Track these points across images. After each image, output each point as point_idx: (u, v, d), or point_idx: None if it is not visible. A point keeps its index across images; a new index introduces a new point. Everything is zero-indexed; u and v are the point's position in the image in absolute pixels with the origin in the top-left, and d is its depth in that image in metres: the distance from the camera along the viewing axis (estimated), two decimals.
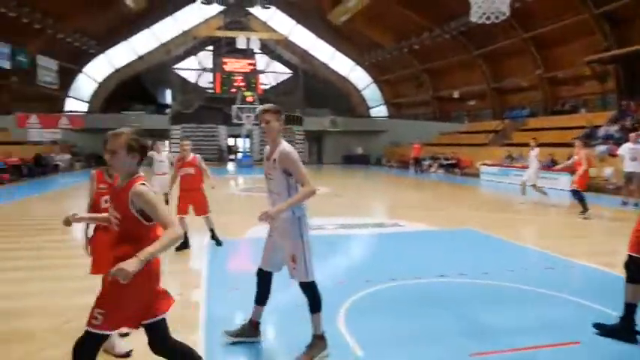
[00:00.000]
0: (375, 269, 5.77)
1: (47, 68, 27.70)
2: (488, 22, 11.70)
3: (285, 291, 4.06)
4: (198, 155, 6.92)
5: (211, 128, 31.13)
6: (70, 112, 30.87)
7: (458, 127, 30.55)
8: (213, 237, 6.99)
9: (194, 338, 3.69)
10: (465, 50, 28.15)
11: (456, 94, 30.67)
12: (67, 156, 25.49)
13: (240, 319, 4.25)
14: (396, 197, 14.83)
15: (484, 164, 20.77)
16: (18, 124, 25.21)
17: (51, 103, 30.58)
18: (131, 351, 3.38)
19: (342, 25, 31.89)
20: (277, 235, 3.48)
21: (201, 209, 6.83)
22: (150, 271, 2.37)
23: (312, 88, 34.36)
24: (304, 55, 36.09)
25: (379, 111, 38.32)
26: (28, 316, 4.17)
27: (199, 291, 4.91)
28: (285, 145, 3.33)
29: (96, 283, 4.58)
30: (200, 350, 3.47)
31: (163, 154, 9.37)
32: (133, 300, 2.35)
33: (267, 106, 3.45)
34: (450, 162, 24.43)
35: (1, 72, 25.04)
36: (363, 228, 8.69)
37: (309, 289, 3.41)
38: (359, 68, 37.34)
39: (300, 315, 3.89)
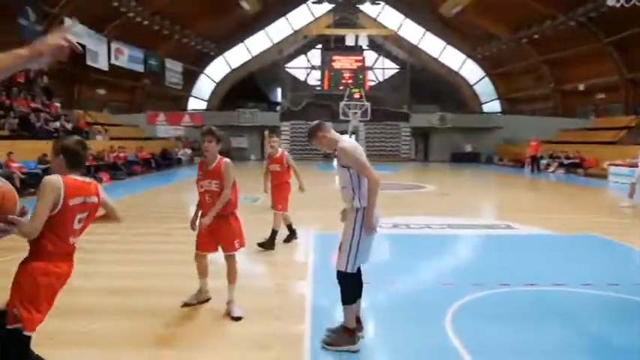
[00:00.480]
0: (484, 273, 5.49)
1: (174, 70, 30.37)
2: (627, 5, 10.46)
3: (389, 290, 4.03)
4: (286, 152, 7.01)
5: None
6: (192, 110, 33.55)
7: (583, 123, 27.84)
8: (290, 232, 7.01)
9: (301, 328, 3.82)
10: (593, 38, 25.52)
11: (581, 87, 27.97)
12: (189, 151, 27.78)
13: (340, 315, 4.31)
14: (509, 198, 13.94)
15: (613, 164, 18.72)
16: (148, 122, 28.00)
17: (176, 102, 33.55)
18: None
19: (453, 17, 30.70)
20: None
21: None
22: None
23: (420, 83, 33.56)
24: (413, 49, 35.38)
25: (492, 106, 36.29)
26: (152, 294, 4.62)
27: (304, 283, 5.06)
28: (342, 142, 3.43)
29: (216, 268, 4.93)
30: (306, 340, 3.59)
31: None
32: None
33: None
34: (571, 161, 22.40)
35: (136, 75, 28.00)
36: (472, 229, 8.31)
37: (343, 280, 3.44)
38: (470, 61, 35.70)
39: (404, 316, 3.85)
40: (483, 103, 36.75)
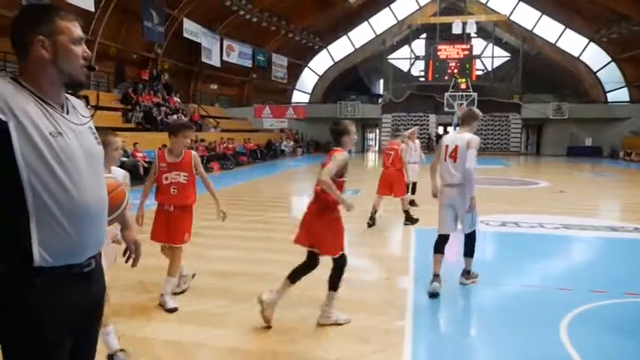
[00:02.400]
0: (608, 279, 4.93)
1: (280, 65, 31.44)
2: None
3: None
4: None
5: (421, 117, 31.06)
6: (295, 103, 34.51)
7: None
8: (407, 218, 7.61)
9: (402, 324, 3.73)
10: None
11: None
12: (292, 143, 28.65)
13: (445, 309, 4.14)
14: (638, 197, 12.45)
15: None
16: (255, 115, 29.33)
17: (280, 95, 34.74)
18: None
19: None
20: None
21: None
22: None
23: (534, 71, 31.17)
24: (526, 35, 32.93)
25: (618, 95, 32.58)
26: (263, 281, 4.79)
27: (407, 278, 4.94)
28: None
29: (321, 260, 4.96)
30: (407, 336, 3.50)
31: (417, 142, 9.66)
32: None
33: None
34: None
35: (245, 70, 29.45)
36: (592, 230, 7.53)
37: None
38: (594, 46, 32.32)
39: (514, 319, 3.60)
40: (608, 92, 33.08)
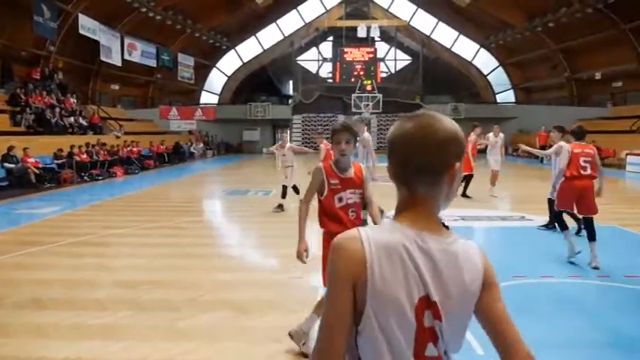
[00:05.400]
0: (500, 266, 5.37)
1: (186, 65, 30.46)
2: None
3: None
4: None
5: (330, 117, 31.77)
6: (204, 104, 33.65)
7: (599, 112, 27.34)
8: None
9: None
10: (611, 25, 24.96)
11: (597, 75, 27.43)
12: (201, 145, 27.91)
13: None
14: (523, 189, 13.77)
15: (631, 154, 18.37)
16: (161, 116, 28.15)
17: (188, 96, 33.68)
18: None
19: (466, 6, 30.26)
20: None
21: None
22: None
23: (433, 74, 33.22)
24: (425, 40, 35.01)
25: (506, 96, 35.81)
26: (165, 288, 4.65)
27: (318, 276, 5.04)
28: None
29: (226, 262, 4.92)
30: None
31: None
32: None
33: None
34: None
35: (149, 70, 28.17)
36: (486, 221, 8.22)
37: None
38: (484, 51, 35.21)
39: None
40: (497, 93, 36.26)
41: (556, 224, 6.07)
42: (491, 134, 12.07)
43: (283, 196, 9.20)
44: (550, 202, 6.89)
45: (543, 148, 23.14)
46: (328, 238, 3.11)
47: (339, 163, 3.09)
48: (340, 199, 3.08)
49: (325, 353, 1.00)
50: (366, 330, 0.99)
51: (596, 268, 5.10)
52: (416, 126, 1.05)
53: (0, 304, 4.17)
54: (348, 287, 0.99)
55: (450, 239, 1.04)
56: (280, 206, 9.14)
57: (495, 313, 1.07)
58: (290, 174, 9.24)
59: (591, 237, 5.26)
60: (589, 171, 5.38)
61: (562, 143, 5.92)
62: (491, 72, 35.97)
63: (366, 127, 10.10)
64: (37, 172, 12.95)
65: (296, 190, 9.08)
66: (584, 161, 5.34)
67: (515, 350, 1.05)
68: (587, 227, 5.38)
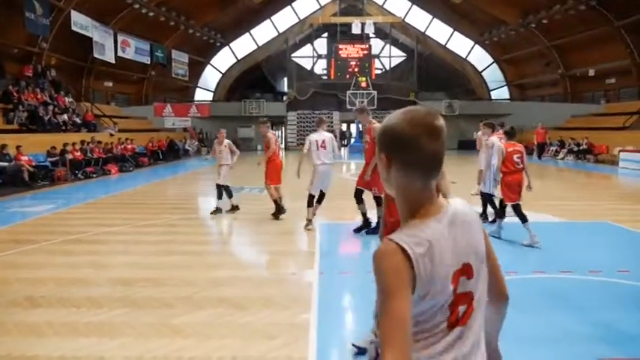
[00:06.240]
0: None
1: (180, 62, 30.32)
2: None
3: None
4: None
5: (325, 114, 31.72)
6: (198, 101, 33.54)
7: (593, 108, 27.48)
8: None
9: (307, 317, 3.83)
10: (604, 22, 25.07)
11: (591, 72, 27.55)
12: (196, 142, 27.81)
13: (349, 303, 4.33)
14: None
15: (623, 150, 18.49)
16: (155, 113, 28.03)
17: (182, 93, 33.55)
18: None
19: (461, 3, 30.30)
20: None
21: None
22: None
23: (428, 71, 33.25)
24: (419, 37, 35.02)
25: (500, 93, 35.91)
26: (159, 285, 4.65)
27: (312, 272, 5.07)
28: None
29: (221, 259, 4.94)
30: (312, 330, 3.61)
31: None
32: None
33: None
34: (581, 148, 22.14)
35: (143, 67, 28.01)
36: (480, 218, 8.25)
37: None
38: (478, 48, 35.27)
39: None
40: (492, 90, 36.36)
41: (487, 216, 7.44)
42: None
43: (219, 196, 8.55)
44: (483, 195, 7.56)
45: (541, 145, 23.38)
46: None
47: None
48: None
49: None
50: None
51: (537, 242, 5.93)
52: (432, 116, 1.14)
53: None
54: (405, 293, 1.04)
55: (455, 210, 1.20)
56: (234, 207, 8.63)
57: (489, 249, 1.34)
58: (225, 172, 8.66)
59: (524, 219, 6.10)
60: (521, 165, 6.35)
61: (494, 139, 6.98)
62: (485, 68, 36.07)
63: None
64: (31, 170, 12.88)
65: (228, 191, 8.62)
66: (517, 157, 6.29)
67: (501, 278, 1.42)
68: (518, 213, 6.20)
